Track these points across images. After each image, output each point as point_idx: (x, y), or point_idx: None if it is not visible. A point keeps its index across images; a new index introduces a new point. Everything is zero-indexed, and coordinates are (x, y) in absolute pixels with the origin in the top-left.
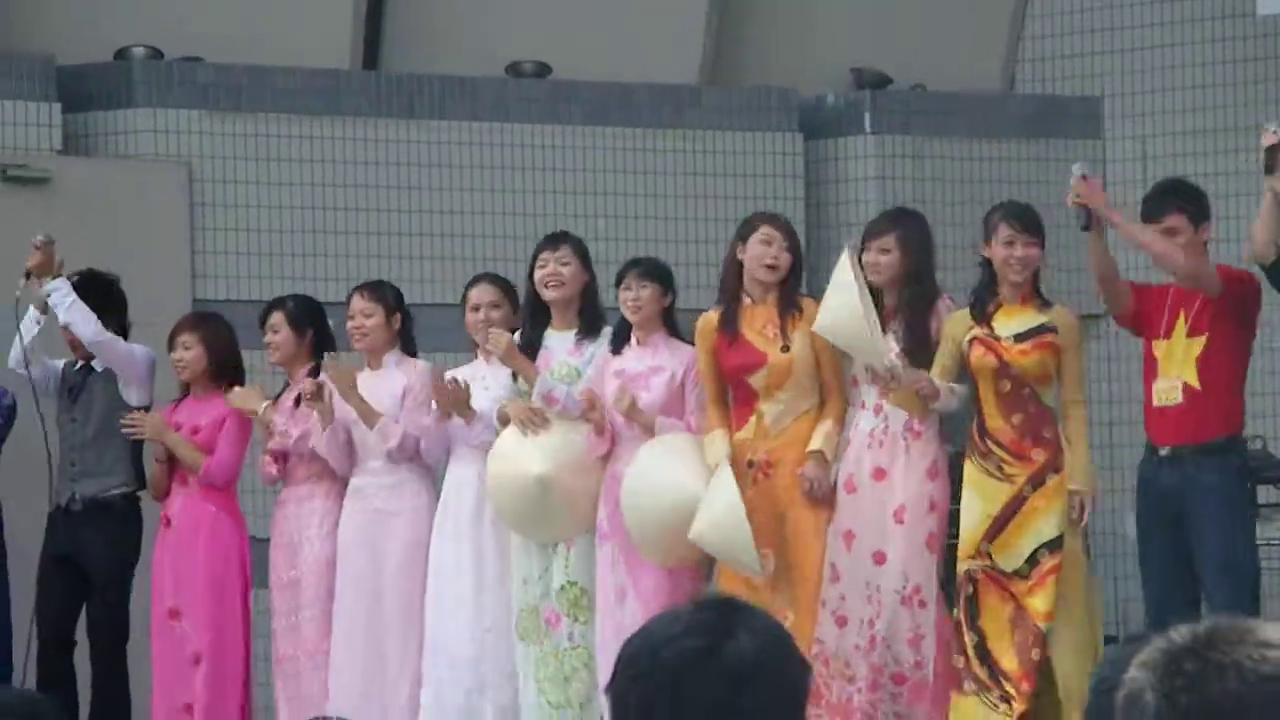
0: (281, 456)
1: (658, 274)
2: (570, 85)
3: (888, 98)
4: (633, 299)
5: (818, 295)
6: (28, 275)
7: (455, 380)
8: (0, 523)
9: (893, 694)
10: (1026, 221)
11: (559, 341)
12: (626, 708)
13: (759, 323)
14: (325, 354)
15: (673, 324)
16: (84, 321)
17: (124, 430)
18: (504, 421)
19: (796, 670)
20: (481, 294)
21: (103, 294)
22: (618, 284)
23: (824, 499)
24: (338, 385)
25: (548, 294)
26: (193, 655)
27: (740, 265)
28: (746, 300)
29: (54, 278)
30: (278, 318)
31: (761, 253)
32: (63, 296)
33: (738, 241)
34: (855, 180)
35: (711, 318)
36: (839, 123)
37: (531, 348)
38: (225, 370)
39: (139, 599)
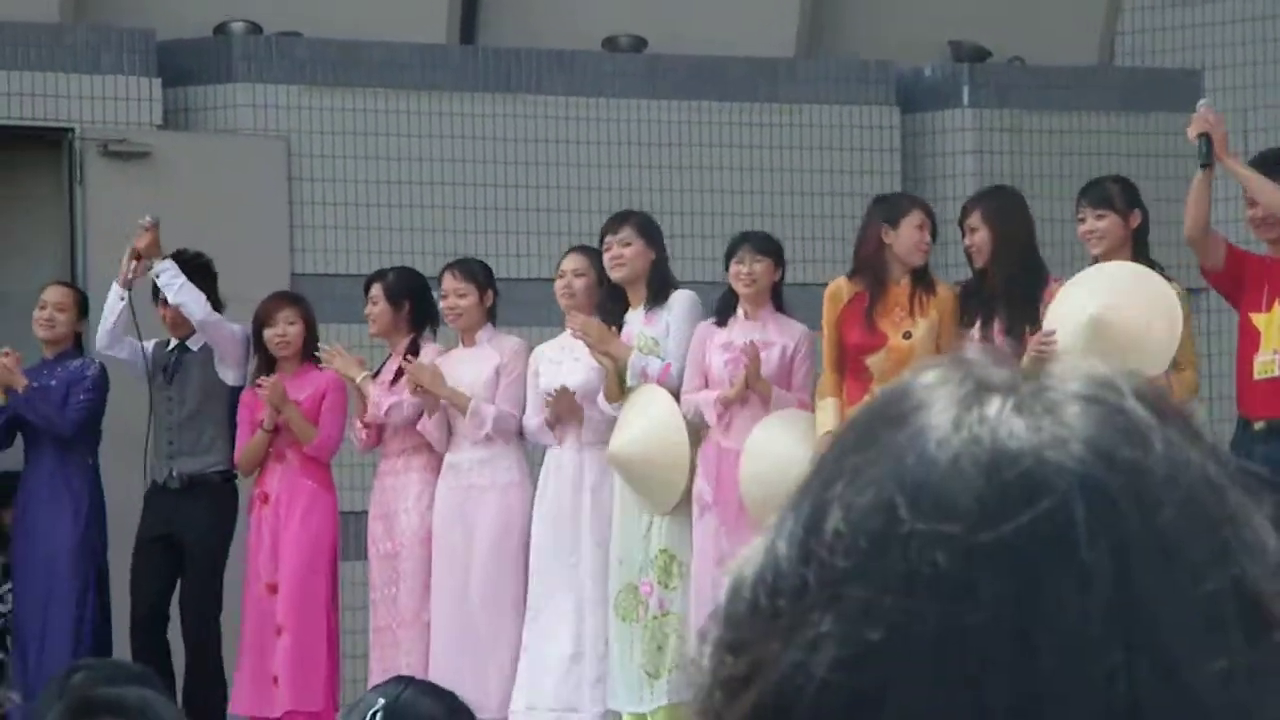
0: (376, 426)
1: (770, 248)
2: (666, 59)
3: (986, 71)
4: (746, 273)
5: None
6: (137, 257)
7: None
8: (100, 499)
9: None
10: (1093, 196)
11: (634, 316)
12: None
13: (889, 304)
14: (406, 359)
15: (779, 299)
16: (194, 301)
17: (257, 390)
18: (610, 398)
19: None
20: (568, 261)
21: (193, 272)
22: (728, 257)
23: None
24: (424, 379)
25: (613, 275)
26: (276, 628)
27: (884, 248)
28: (887, 281)
29: (161, 259)
30: (377, 290)
31: (918, 238)
32: (172, 278)
33: (883, 224)
34: (953, 154)
35: (842, 285)
36: (937, 96)
37: (611, 325)
38: (316, 347)
39: (235, 575)
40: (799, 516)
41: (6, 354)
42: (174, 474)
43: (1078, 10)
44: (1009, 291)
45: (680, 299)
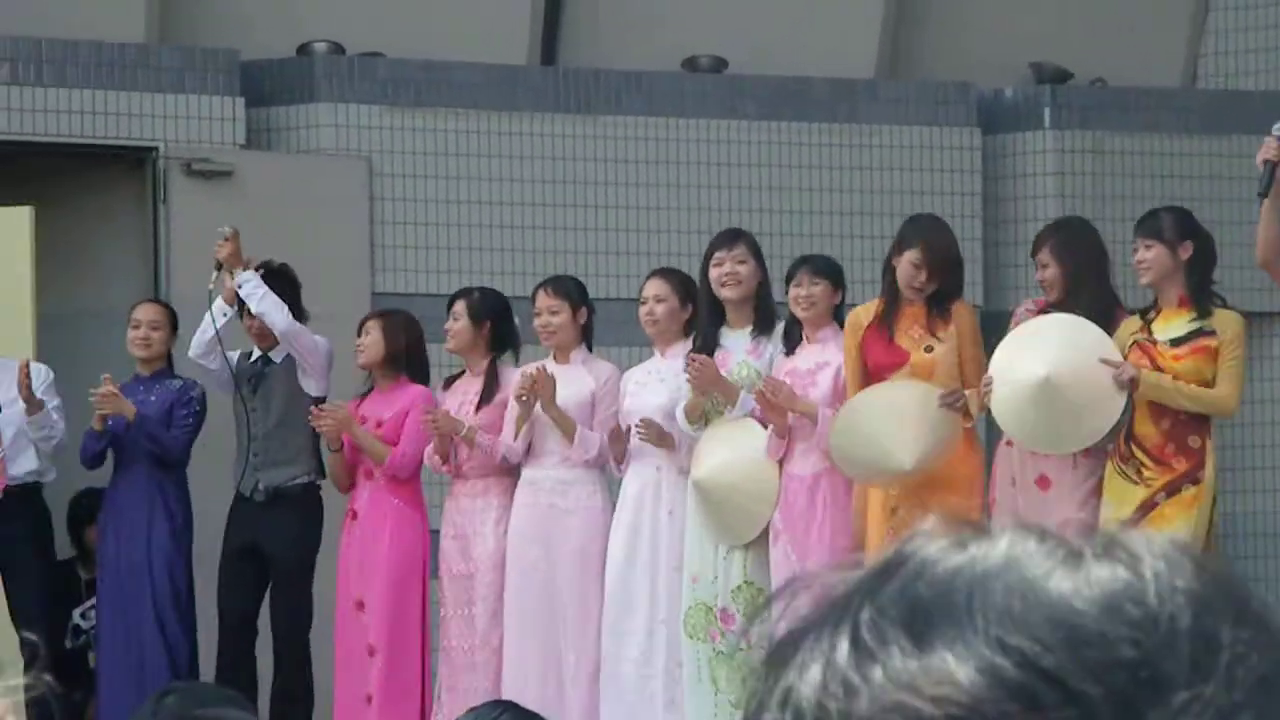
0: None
1: (829, 271)
2: (746, 80)
3: (1068, 92)
4: (804, 296)
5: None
6: (219, 267)
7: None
8: (189, 513)
9: None
10: (1145, 227)
11: (736, 340)
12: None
13: (907, 323)
14: (534, 367)
15: (840, 320)
16: (277, 311)
17: (312, 423)
18: (691, 419)
19: None
20: (649, 288)
21: (276, 282)
22: (788, 281)
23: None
24: (541, 396)
25: (724, 293)
26: (369, 648)
27: (894, 269)
28: (900, 299)
29: (244, 269)
30: (460, 306)
31: (911, 275)
32: (254, 288)
33: (896, 244)
34: (1034, 175)
35: (860, 313)
36: (1018, 117)
37: (708, 345)
38: (408, 364)
39: (324, 590)
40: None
41: (109, 381)
42: (259, 486)
43: (1160, 32)
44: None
45: (779, 331)
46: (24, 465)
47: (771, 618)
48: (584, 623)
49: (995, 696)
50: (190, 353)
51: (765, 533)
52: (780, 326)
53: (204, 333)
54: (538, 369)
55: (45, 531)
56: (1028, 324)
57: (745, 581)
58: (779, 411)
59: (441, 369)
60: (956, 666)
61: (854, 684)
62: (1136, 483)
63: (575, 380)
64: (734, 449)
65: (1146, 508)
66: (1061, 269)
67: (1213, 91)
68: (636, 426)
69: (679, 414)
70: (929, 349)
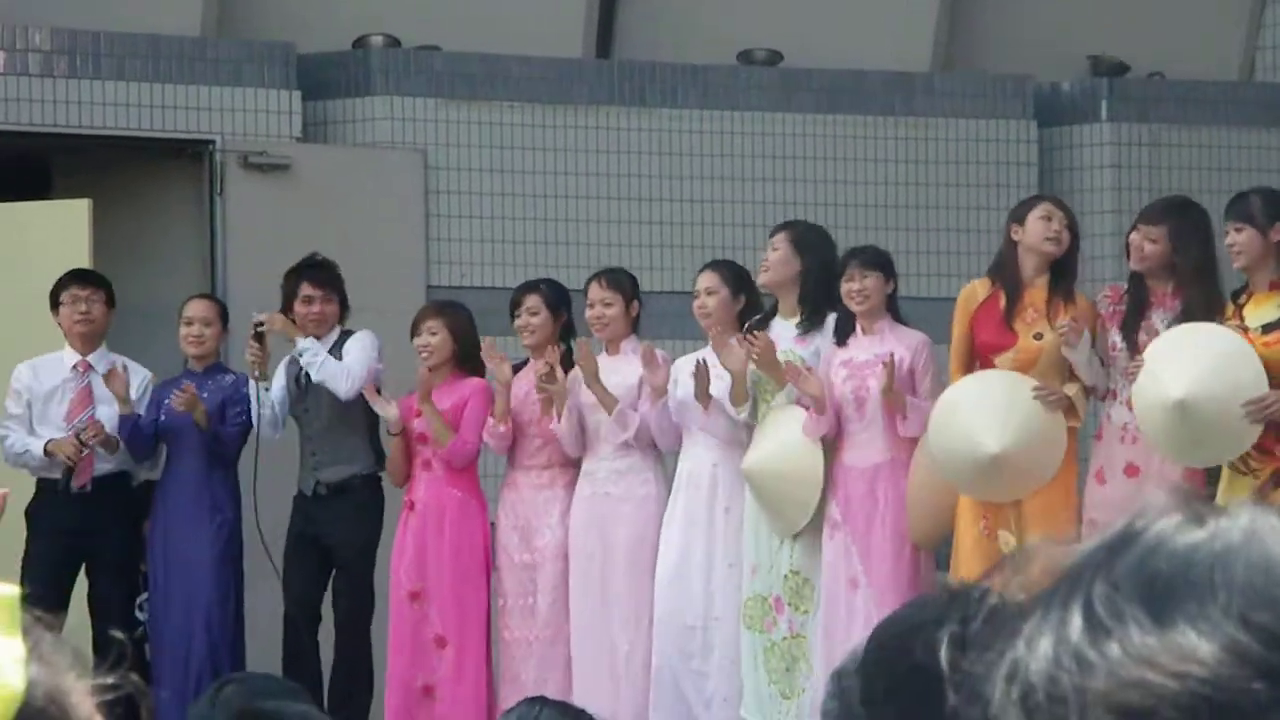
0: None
1: (879, 262)
2: (802, 72)
3: (1125, 85)
4: (857, 289)
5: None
6: (258, 339)
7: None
8: (238, 508)
9: None
10: (1235, 210)
11: (783, 329)
12: (874, 692)
13: (1023, 305)
14: (576, 338)
15: (897, 311)
16: (336, 379)
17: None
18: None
19: None
20: (701, 280)
21: (324, 277)
22: (840, 274)
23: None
24: (585, 370)
25: (758, 279)
26: (436, 638)
27: (1015, 246)
28: (1021, 279)
29: (302, 336)
30: (535, 300)
31: (1043, 228)
32: (314, 356)
33: (1012, 223)
34: (1091, 169)
35: (976, 286)
36: (1075, 110)
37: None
38: (467, 357)
39: (378, 580)
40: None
41: (188, 389)
42: (319, 484)
43: (1218, 25)
44: (1194, 314)
45: (831, 322)
46: (116, 461)
47: (992, 592)
48: (636, 613)
49: (1240, 674)
50: (264, 433)
51: (816, 522)
52: (831, 318)
53: (265, 414)
54: (579, 341)
55: (133, 523)
56: (1189, 329)
57: (792, 570)
58: (813, 387)
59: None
60: (1199, 643)
61: (1089, 659)
62: (1245, 473)
63: (623, 369)
64: (779, 438)
65: (1256, 497)
66: (1173, 253)
67: (1271, 84)
68: (692, 371)
69: (720, 392)
70: (1038, 336)
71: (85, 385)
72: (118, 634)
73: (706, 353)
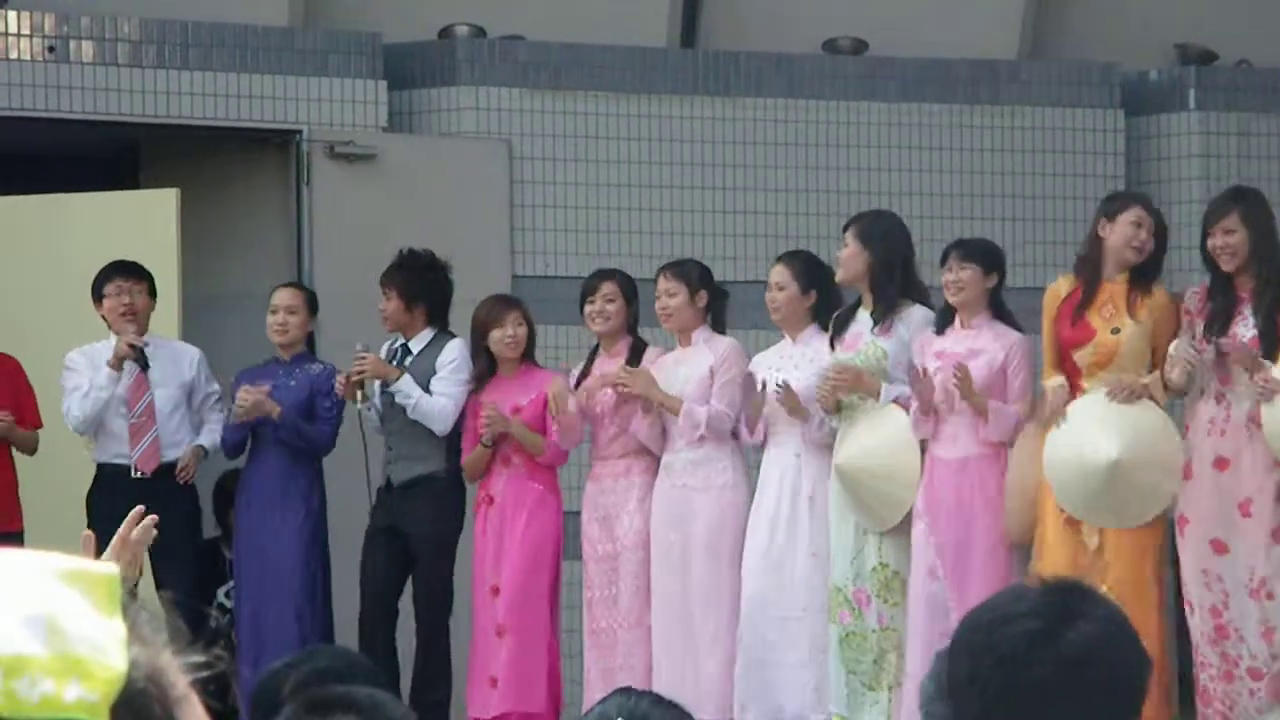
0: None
1: (981, 255)
2: (886, 61)
3: (1212, 73)
4: (953, 280)
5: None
6: (360, 383)
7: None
8: (323, 498)
9: (1250, 689)
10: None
11: (865, 321)
12: (961, 679)
13: (1101, 300)
14: (624, 368)
15: (999, 306)
16: (430, 420)
17: (482, 411)
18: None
19: (1136, 661)
20: (771, 274)
21: (423, 274)
22: (942, 264)
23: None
24: (641, 387)
25: (836, 278)
26: (498, 629)
27: (1100, 241)
28: (1102, 276)
29: (397, 376)
30: (612, 287)
31: (1131, 234)
32: (406, 396)
33: (1102, 218)
34: (1178, 158)
35: (1059, 285)
36: (1162, 99)
37: (839, 326)
38: (533, 349)
39: (465, 574)
40: None
41: (257, 391)
42: (391, 480)
43: None
44: (1260, 300)
45: (916, 315)
46: (181, 449)
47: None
48: (719, 603)
49: None
50: (371, 429)
51: (905, 516)
52: (915, 309)
53: (373, 426)
54: (622, 369)
55: (195, 511)
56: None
57: (880, 563)
58: (928, 390)
59: (580, 351)
60: None
61: None
62: None
63: (694, 361)
64: (876, 434)
65: None
66: (1251, 235)
67: None
68: (776, 386)
69: (816, 406)
70: (1116, 330)
71: (139, 372)
72: (213, 611)
73: (777, 351)
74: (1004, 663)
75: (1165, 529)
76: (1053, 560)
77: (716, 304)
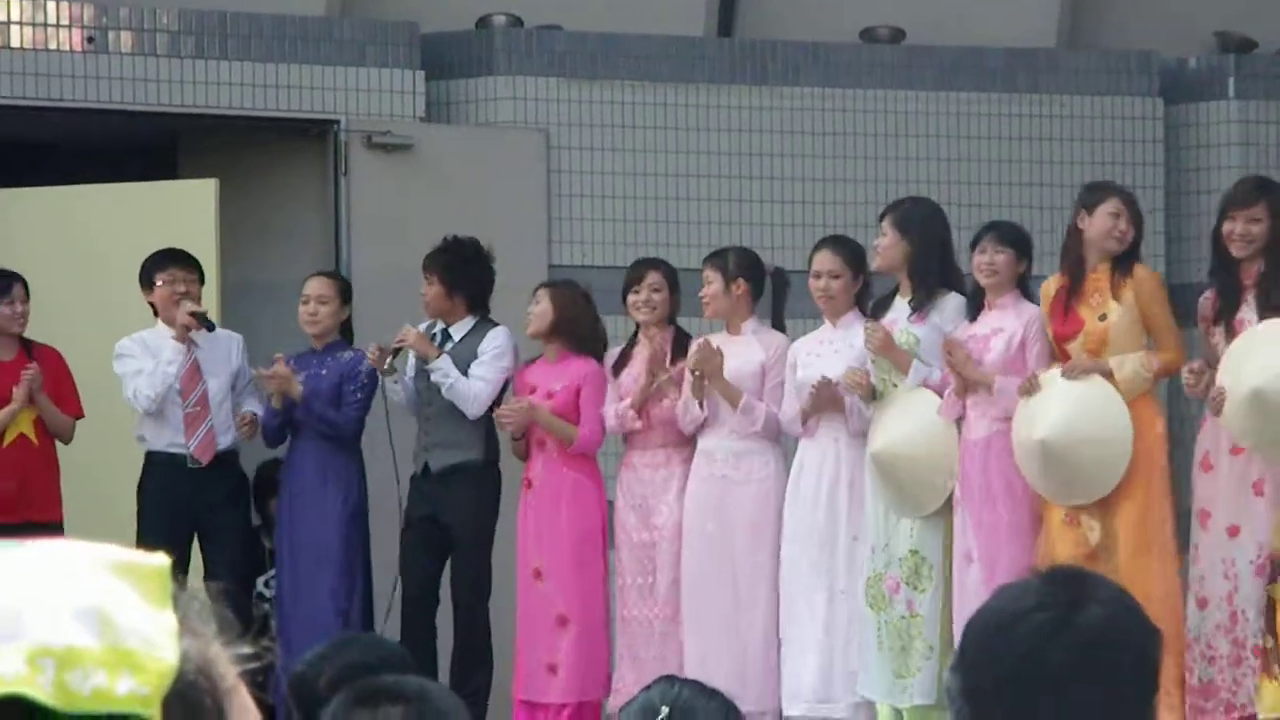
0: (644, 412)
1: (1014, 239)
2: (924, 50)
3: (1253, 61)
4: (987, 263)
5: (1175, 260)
6: (395, 353)
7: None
8: (364, 485)
9: (1253, 668)
10: None
11: (900, 308)
12: (981, 685)
13: (1087, 291)
14: (703, 340)
15: (1027, 290)
16: (463, 401)
17: (499, 421)
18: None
19: (1147, 638)
20: (821, 261)
21: (466, 261)
22: (973, 246)
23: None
24: (706, 369)
25: (872, 266)
26: (558, 617)
27: (1080, 233)
28: (1085, 268)
29: (436, 355)
30: (657, 277)
31: (1110, 225)
32: (443, 376)
33: (1081, 210)
34: (1217, 146)
35: (1050, 284)
36: (1201, 87)
37: (877, 314)
38: (580, 337)
39: (502, 558)
40: None
41: (280, 360)
42: (429, 466)
43: None
44: (1266, 289)
45: (951, 303)
46: (227, 435)
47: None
48: (759, 593)
49: None
50: (404, 407)
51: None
52: (952, 296)
53: (398, 401)
54: (703, 342)
55: (246, 499)
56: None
57: (910, 550)
58: (965, 363)
59: (616, 341)
60: None
61: None
62: None
63: (745, 351)
64: (912, 420)
65: None
66: (1270, 227)
67: None
68: (812, 386)
69: (855, 400)
70: (1103, 316)
71: (193, 360)
72: (260, 599)
73: (816, 337)
74: (1024, 660)
75: (1174, 522)
76: (1055, 551)
77: (778, 291)
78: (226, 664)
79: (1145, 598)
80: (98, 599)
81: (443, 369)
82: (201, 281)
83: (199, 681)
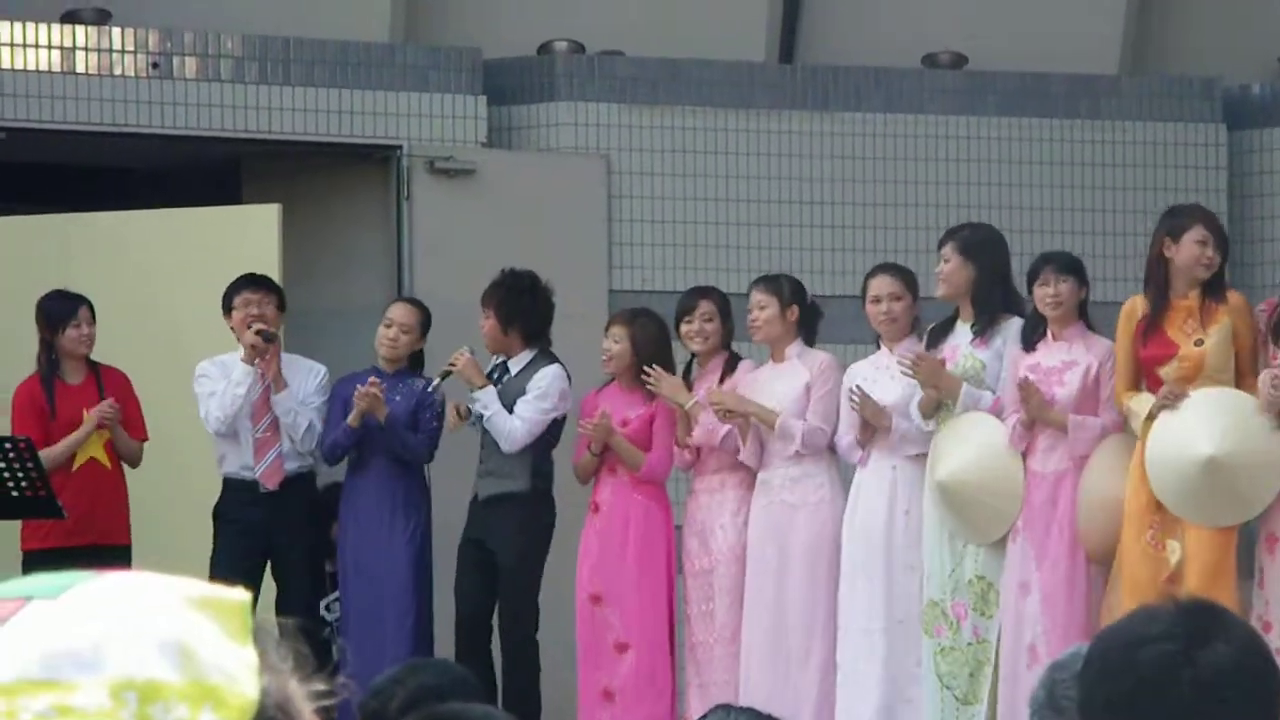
0: (696, 447)
1: (1073, 267)
2: (986, 75)
3: None
4: (1051, 294)
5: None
6: (444, 375)
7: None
8: (428, 509)
9: None
10: None
11: (962, 333)
12: (1094, 701)
13: (1180, 317)
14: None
15: (1088, 317)
16: (500, 435)
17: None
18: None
19: (1272, 680)
20: (880, 285)
21: (522, 294)
22: (1031, 280)
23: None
24: (729, 403)
25: (936, 293)
26: (617, 643)
27: (1166, 260)
28: (1171, 294)
29: (481, 385)
30: (710, 306)
31: (1199, 253)
32: (483, 407)
33: (1166, 237)
34: None
35: (1136, 303)
36: (1265, 113)
37: (935, 339)
38: (653, 364)
39: (561, 587)
40: None
41: (374, 381)
42: (479, 494)
43: None
44: None
45: (1014, 327)
46: (296, 460)
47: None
48: (815, 619)
49: None
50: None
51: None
52: (1014, 321)
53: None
54: (712, 393)
55: (315, 523)
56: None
57: (977, 576)
58: (1038, 402)
59: (677, 367)
60: None
61: None
62: None
63: (789, 376)
64: (977, 448)
65: None
66: None
67: None
68: (851, 394)
69: (913, 409)
70: (1199, 342)
71: (266, 386)
72: (322, 623)
73: (872, 362)
74: (1142, 685)
75: (1237, 545)
76: (1134, 579)
77: (809, 320)
78: (303, 700)
79: None
80: (179, 632)
81: (484, 400)
82: (281, 306)
83: (278, 718)
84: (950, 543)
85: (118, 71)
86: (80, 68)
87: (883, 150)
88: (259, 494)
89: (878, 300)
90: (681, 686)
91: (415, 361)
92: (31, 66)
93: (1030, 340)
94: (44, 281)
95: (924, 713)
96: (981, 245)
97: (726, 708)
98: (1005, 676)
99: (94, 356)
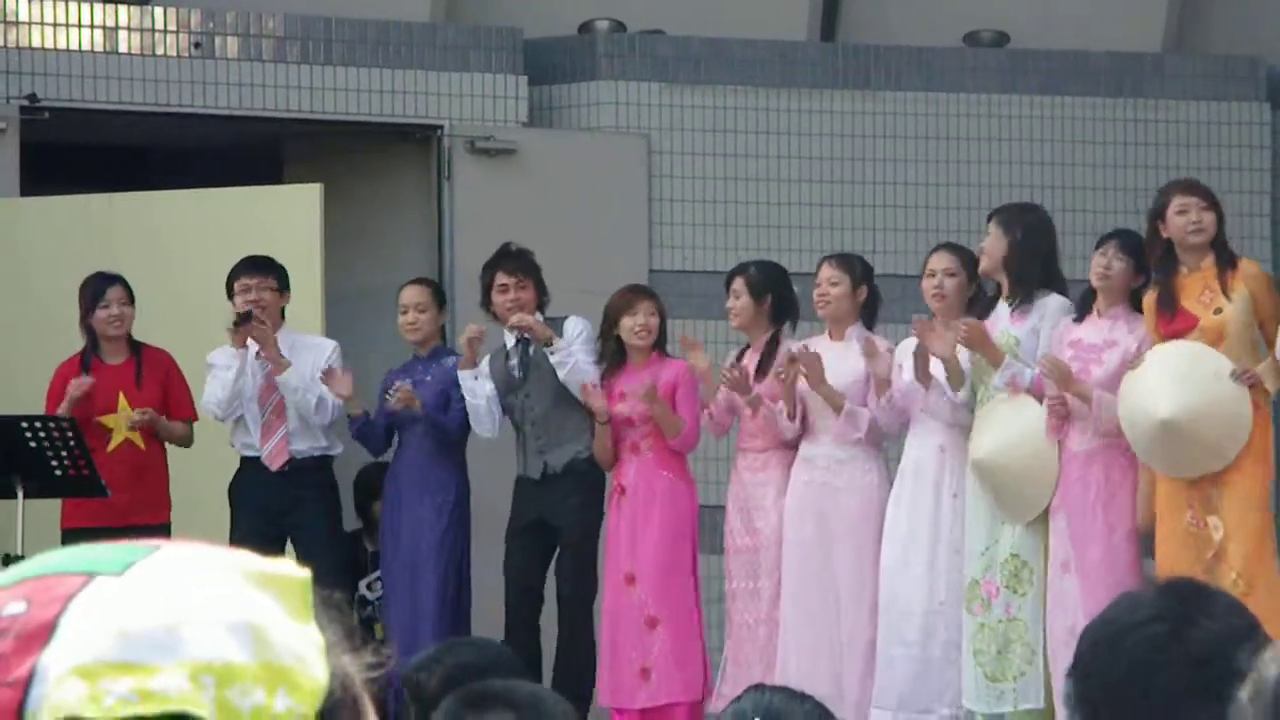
0: (725, 415)
1: (1135, 251)
2: (1028, 54)
3: None
4: (1104, 268)
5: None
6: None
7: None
8: (466, 490)
9: None
10: None
11: (1002, 309)
12: (1092, 693)
13: (1196, 289)
14: (798, 346)
15: (1138, 302)
16: (581, 374)
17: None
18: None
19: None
20: (937, 260)
21: (518, 265)
22: (1096, 249)
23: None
24: (809, 375)
25: (979, 268)
26: (648, 619)
27: (1165, 241)
28: (1182, 270)
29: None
30: (739, 283)
31: (1183, 222)
32: (568, 355)
33: (1155, 221)
34: None
35: (1150, 295)
36: None
37: (985, 312)
38: (663, 341)
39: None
40: None
41: (402, 387)
42: (547, 467)
43: None
44: None
45: (1052, 304)
46: (309, 440)
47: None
48: (858, 601)
49: None
50: (482, 432)
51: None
52: (1051, 298)
53: (480, 409)
54: (800, 348)
55: (334, 504)
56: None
57: (1011, 554)
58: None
59: (719, 346)
60: None
61: None
62: None
63: (849, 358)
64: (1016, 430)
65: None
66: None
67: None
68: (914, 350)
69: (938, 373)
70: (1218, 311)
71: (268, 370)
72: (363, 602)
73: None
74: (1135, 671)
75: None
76: (1177, 558)
77: (872, 304)
78: (359, 675)
79: (1273, 600)
80: (249, 613)
81: (564, 348)
82: (283, 288)
83: (344, 698)
84: (991, 521)
85: (160, 51)
86: (123, 48)
87: (924, 129)
88: (266, 473)
89: (932, 274)
90: (716, 663)
91: (443, 336)
92: (74, 47)
93: (1081, 311)
94: (86, 262)
95: (970, 694)
96: (1021, 220)
97: (760, 688)
98: (1052, 657)
99: (136, 336)
